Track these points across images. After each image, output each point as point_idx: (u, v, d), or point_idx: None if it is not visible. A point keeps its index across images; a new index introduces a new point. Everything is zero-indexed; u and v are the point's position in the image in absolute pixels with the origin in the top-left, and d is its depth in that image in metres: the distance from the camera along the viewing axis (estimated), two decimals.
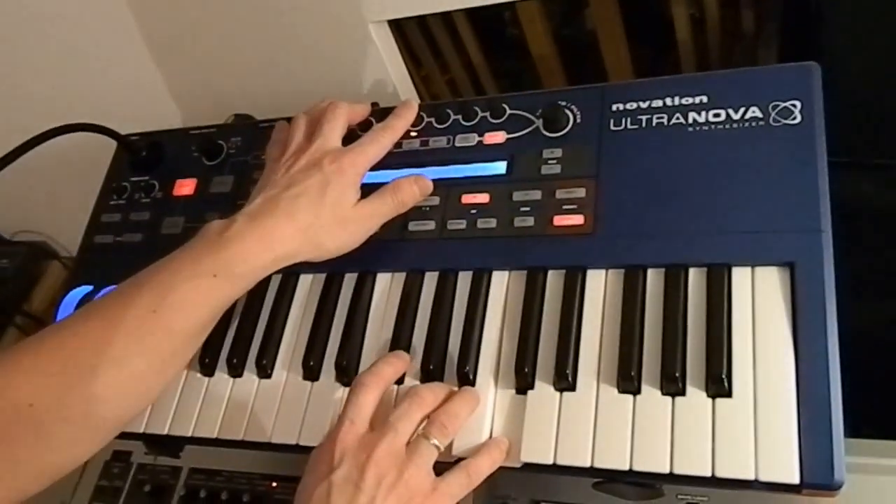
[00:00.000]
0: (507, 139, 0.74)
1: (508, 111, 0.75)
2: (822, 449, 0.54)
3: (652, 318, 0.62)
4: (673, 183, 0.66)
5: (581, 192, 0.68)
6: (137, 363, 0.63)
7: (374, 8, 0.90)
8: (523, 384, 0.63)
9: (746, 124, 0.66)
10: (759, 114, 0.66)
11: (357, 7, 0.89)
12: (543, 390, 0.63)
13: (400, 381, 0.67)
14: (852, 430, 0.64)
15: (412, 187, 0.72)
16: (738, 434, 0.56)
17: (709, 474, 0.56)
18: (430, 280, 0.71)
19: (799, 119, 0.64)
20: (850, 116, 0.76)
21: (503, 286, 0.68)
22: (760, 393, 0.57)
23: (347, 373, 0.69)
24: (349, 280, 0.74)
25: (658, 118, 0.69)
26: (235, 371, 0.73)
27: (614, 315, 0.64)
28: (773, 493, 0.55)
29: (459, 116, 0.76)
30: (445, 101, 0.82)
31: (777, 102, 0.65)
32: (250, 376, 0.72)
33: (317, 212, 0.68)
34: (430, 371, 0.66)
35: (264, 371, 0.72)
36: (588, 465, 0.59)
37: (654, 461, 0.57)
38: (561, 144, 0.71)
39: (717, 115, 0.67)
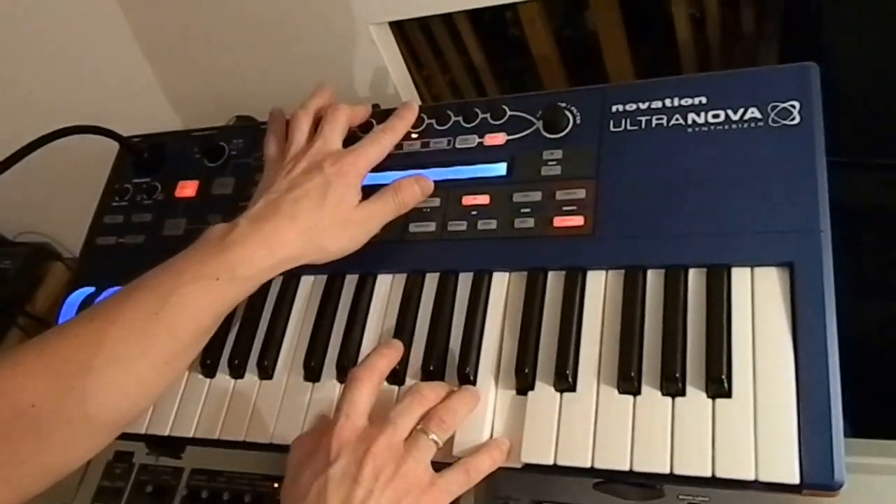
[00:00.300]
0: (508, 140, 0.74)
1: (508, 112, 0.75)
2: (821, 449, 0.54)
3: (652, 319, 0.62)
4: (672, 184, 0.66)
5: (581, 194, 0.68)
6: (140, 365, 0.64)
7: (375, 9, 0.90)
8: (524, 385, 0.64)
9: (746, 125, 0.66)
10: (758, 114, 0.66)
11: (358, 8, 0.90)
12: (544, 391, 0.63)
13: (401, 382, 0.67)
14: (852, 430, 0.64)
15: (413, 188, 0.73)
16: (738, 434, 0.56)
17: (709, 475, 0.56)
18: (431, 281, 0.71)
19: (798, 120, 0.65)
20: (850, 116, 0.76)
21: (503, 287, 0.69)
22: (760, 393, 0.57)
23: (348, 374, 0.69)
24: (350, 281, 0.74)
25: (658, 119, 0.69)
26: (237, 372, 0.73)
27: (614, 316, 0.64)
28: (774, 494, 0.55)
29: (460, 118, 0.77)
30: (446, 103, 0.82)
31: (776, 103, 0.66)
32: (251, 377, 0.73)
33: (319, 214, 0.68)
34: (431, 372, 0.67)
35: (265, 372, 0.72)
36: (588, 465, 0.59)
37: (655, 462, 0.57)
38: (561, 146, 0.71)
39: (716, 116, 0.67)
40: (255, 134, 0.86)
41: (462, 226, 0.71)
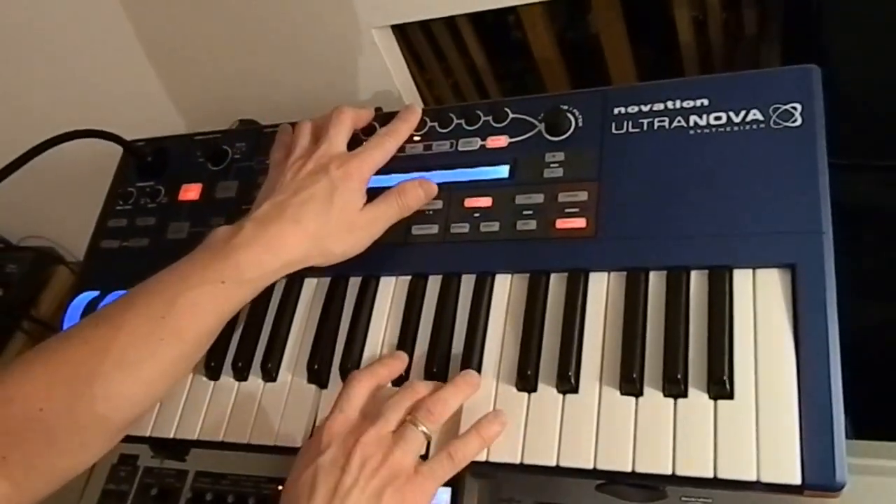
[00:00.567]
0: (510, 143, 0.74)
1: (511, 115, 0.75)
2: (823, 450, 0.54)
3: (654, 321, 0.63)
4: (674, 186, 0.66)
5: (583, 196, 0.69)
6: (146, 368, 0.64)
7: (378, 13, 0.90)
8: (526, 386, 0.64)
9: (747, 127, 0.66)
10: (759, 116, 0.66)
11: (361, 12, 0.90)
12: (546, 392, 0.63)
13: (401, 384, 0.68)
14: (854, 432, 0.64)
15: (417, 190, 0.73)
16: (740, 435, 0.56)
17: (711, 476, 0.56)
18: (434, 283, 0.71)
19: (799, 121, 0.65)
20: (852, 118, 0.76)
21: (506, 289, 0.69)
22: (762, 394, 0.57)
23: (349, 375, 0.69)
24: (353, 284, 0.74)
25: (659, 121, 0.69)
26: (241, 374, 0.73)
27: (616, 317, 0.64)
28: (776, 495, 0.55)
29: (462, 121, 0.77)
30: (448, 106, 0.82)
31: (778, 105, 0.66)
32: (255, 380, 0.73)
33: (324, 217, 0.69)
34: (434, 374, 0.67)
35: (269, 374, 0.72)
36: (591, 466, 0.59)
37: (657, 463, 0.58)
38: (563, 148, 0.72)
39: (717, 118, 0.67)
40: (258, 137, 0.86)
41: (465, 228, 0.71)
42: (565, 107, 0.73)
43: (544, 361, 0.64)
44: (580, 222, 0.68)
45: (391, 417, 0.62)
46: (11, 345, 1.26)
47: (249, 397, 0.72)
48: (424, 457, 0.62)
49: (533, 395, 0.63)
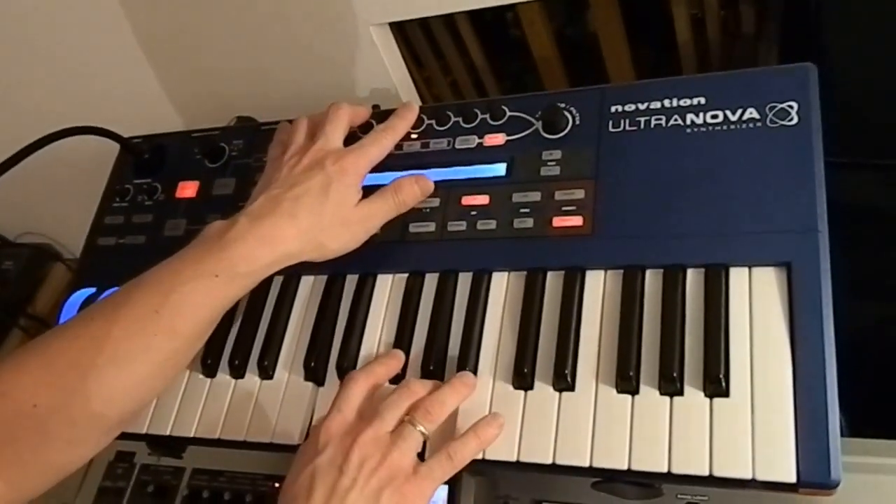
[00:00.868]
0: (507, 141, 0.74)
1: (508, 113, 0.75)
2: (818, 448, 0.54)
3: (650, 319, 0.63)
4: (671, 184, 0.66)
5: (580, 194, 0.69)
6: (140, 363, 0.64)
7: (376, 10, 0.90)
8: (523, 384, 0.64)
9: (744, 125, 0.66)
10: (756, 115, 0.66)
11: (359, 9, 0.90)
12: (542, 390, 0.63)
13: (398, 382, 0.68)
14: (850, 430, 0.64)
15: (413, 187, 0.73)
16: (736, 433, 0.57)
17: (706, 474, 0.56)
18: (431, 281, 0.71)
19: (796, 120, 0.65)
20: (848, 117, 0.76)
21: (503, 287, 0.69)
22: (758, 393, 0.57)
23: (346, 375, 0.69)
24: (350, 281, 0.74)
25: (656, 119, 0.69)
26: (237, 372, 0.73)
27: (613, 315, 0.64)
28: (771, 493, 0.55)
29: (459, 118, 0.77)
30: (445, 104, 0.82)
31: (774, 104, 0.66)
32: (252, 377, 0.73)
33: (319, 212, 0.69)
34: (431, 371, 0.67)
35: (266, 372, 0.72)
36: (587, 464, 0.59)
37: (653, 461, 0.58)
38: (560, 146, 0.72)
39: (714, 117, 0.67)
40: (255, 135, 0.86)
41: (462, 226, 0.72)
42: (562, 105, 0.73)
43: (541, 359, 0.64)
44: (577, 220, 0.68)
45: (388, 417, 0.62)
46: (8, 342, 1.26)
47: (246, 395, 0.72)
48: (420, 457, 0.62)
49: (529, 392, 0.64)
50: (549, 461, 0.60)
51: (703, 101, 0.68)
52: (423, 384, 0.65)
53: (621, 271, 0.65)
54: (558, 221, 0.68)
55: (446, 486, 0.69)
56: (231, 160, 0.85)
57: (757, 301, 0.61)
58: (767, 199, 0.62)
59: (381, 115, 0.79)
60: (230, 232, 0.67)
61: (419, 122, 0.78)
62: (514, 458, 0.62)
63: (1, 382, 0.61)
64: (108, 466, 0.87)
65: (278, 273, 0.69)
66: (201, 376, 0.75)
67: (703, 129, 0.67)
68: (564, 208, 0.69)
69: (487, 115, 0.76)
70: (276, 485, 0.80)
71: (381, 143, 0.74)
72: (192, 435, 0.72)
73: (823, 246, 0.60)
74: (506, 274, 0.69)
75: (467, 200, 0.72)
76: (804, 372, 0.57)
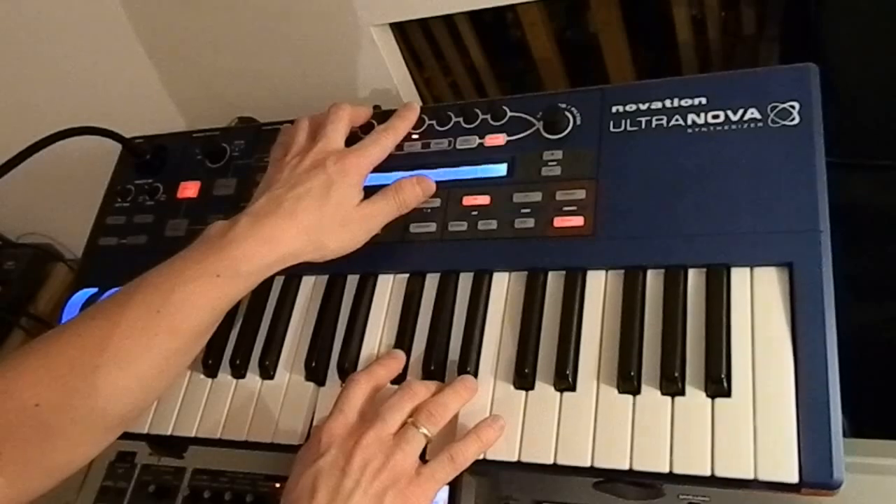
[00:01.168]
0: (508, 141, 0.74)
1: (509, 113, 0.75)
2: (820, 448, 0.54)
3: (651, 319, 0.63)
4: (672, 184, 0.66)
5: (581, 194, 0.69)
6: (141, 363, 0.64)
7: (376, 11, 0.90)
8: (524, 384, 0.64)
9: (745, 126, 0.66)
10: (757, 115, 0.66)
11: (359, 10, 0.90)
12: (544, 390, 0.63)
13: (400, 382, 0.68)
14: (852, 430, 0.64)
15: (415, 188, 0.73)
16: (738, 434, 0.56)
17: (708, 474, 0.56)
18: (432, 281, 0.71)
19: (797, 120, 0.65)
20: (850, 117, 0.76)
21: (504, 287, 0.69)
22: (759, 393, 0.57)
23: (349, 374, 0.69)
24: (351, 282, 0.74)
25: (657, 120, 0.69)
26: (238, 372, 0.73)
27: (614, 316, 0.64)
28: (773, 493, 0.55)
29: (460, 119, 0.77)
30: (446, 104, 0.82)
31: (776, 104, 0.66)
32: (253, 377, 0.73)
33: (320, 212, 0.69)
34: (432, 372, 0.67)
35: (267, 372, 0.72)
36: (588, 464, 0.59)
37: (654, 461, 0.58)
38: (561, 146, 0.72)
39: (715, 117, 0.67)
40: (256, 135, 0.86)
41: (462, 226, 0.72)
42: (563, 105, 0.73)
43: (542, 359, 0.64)
44: (578, 221, 0.68)
45: (390, 419, 0.62)
46: (10, 342, 1.26)
47: (247, 395, 0.72)
48: (420, 458, 0.62)
49: (530, 393, 0.63)
50: (551, 461, 0.60)
51: (704, 101, 0.68)
52: (425, 385, 0.65)
53: (622, 271, 0.65)
54: (559, 222, 0.68)
55: (447, 487, 0.69)
56: (232, 160, 0.86)
57: (758, 301, 0.60)
58: (769, 200, 0.62)
59: (381, 116, 0.79)
60: (231, 232, 0.67)
61: (420, 122, 0.78)
62: (515, 459, 0.62)
63: (3, 382, 0.61)
64: (110, 466, 0.87)
65: (279, 273, 0.69)
66: (202, 376, 0.75)
67: (704, 129, 0.67)
68: (565, 208, 0.69)
69: (488, 116, 0.76)
70: (277, 485, 0.80)
71: (383, 143, 0.74)
72: (193, 435, 0.72)
73: (825, 246, 0.60)
74: (507, 274, 0.69)
75: (468, 201, 0.72)
76: (806, 372, 0.57)
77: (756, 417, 0.57)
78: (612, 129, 0.71)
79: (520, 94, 0.77)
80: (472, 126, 0.76)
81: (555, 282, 0.67)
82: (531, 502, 0.72)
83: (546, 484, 0.71)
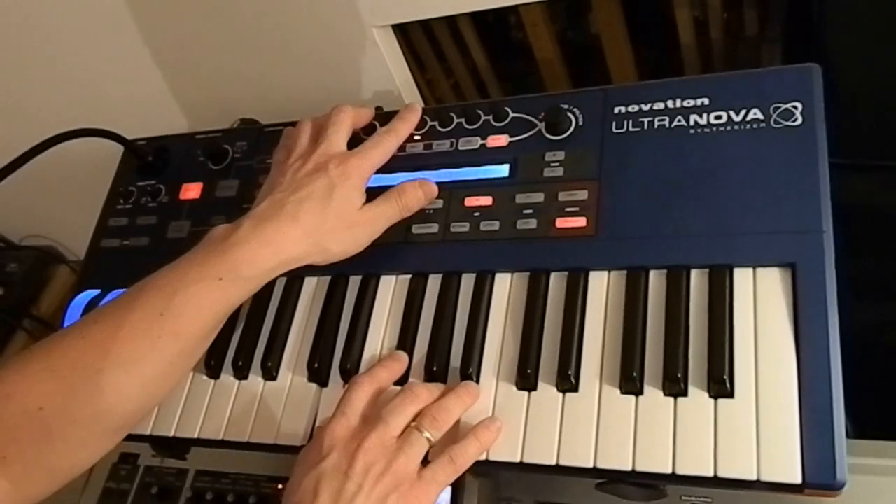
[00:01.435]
0: (510, 142, 0.74)
1: (511, 114, 0.75)
2: (823, 449, 0.54)
3: (654, 320, 0.63)
4: (675, 185, 0.66)
5: (583, 195, 0.69)
6: (144, 366, 0.64)
7: (378, 12, 0.90)
8: (526, 385, 0.64)
9: (748, 126, 0.66)
10: (760, 115, 0.66)
11: (362, 11, 0.90)
12: (546, 391, 0.63)
13: (403, 383, 0.68)
14: (855, 431, 0.64)
15: (417, 192, 0.73)
16: (740, 434, 0.56)
17: (711, 475, 0.56)
18: (434, 282, 0.71)
19: (800, 121, 0.65)
20: (852, 117, 0.76)
21: (506, 288, 0.69)
22: (762, 393, 0.57)
23: (351, 375, 0.69)
24: (353, 283, 0.74)
25: (660, 120, 0.69)
26: (241, 373, 0.73)
27: (616, 316, 0.64)
28: (776, 494, 0.55)
29: (462, 120, 0.77)
30: (448, 105, 0.82)
31: (778, 104, 0.66)
32: (256, 378, 0.73)
33: (322, 215, 0.69)
34: (434, 373, 0.67)
35: (269, 373, 0.72)
36: (591, 465, 0.59)
37: (657, 461, 0.58)
38: (563, 147, 0.72)
39: (718, 117, 0.67)
40: (258, 137, 0.86)
41: (465, 227, 0.72)
42: (566, 106, 0.73)
43: (544, 360, 0.64)
44: (580, 221, 0.68)
45: (392, 422, 0.62)
46: (13, 344, 1.26)
47: (250, 396, 0.72)
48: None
49: (533, 393, 0.63)
50: (553, 462, 0.60)
51: (706, 101, 0.68)
52: (426, 388, 0.65)
53: (625, 272, 0.65)
54: (562, 222, 0.68)
55: (450, 489, 0.69)
56: (234, 162, 0.86)
57: (761, 302, 0.60)
58: (771, 200, 0.62)
59: (384, 117, 0.79)
60: (234, 235, 0.67)
61: (422, 123, 0.78)
62: (517, 459, 0.62)
63: (6, 385, 0.61)
64: (112, 468, 0.87)
65: (282, 274, 0.69)
66: (205, 378, 0.75)
67: (706, 129, 0.67)
68: (568, 209, 0.69)
69: (490, 117, 0.76)
70: (280, 486, 0.80)
71: (385, 145, 0.74)
72: (195, 436, 0.72)
73: (828, 246, 0.60)
74: (509, 275, 0.69)
75: (470, 201, 0.72)
76: (809, 373, 0.57)
77: (759, 418, 0.57)
78: (614, 129, 0.71)
79: (522, 95, 0.77)
80: (474, 127, 0.76)
81: (557, 283, 0.67)
82: (533, 503, 0.71)
83: (548, 485, 0.71)
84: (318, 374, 0.71)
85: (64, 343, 0.64)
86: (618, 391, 0.61)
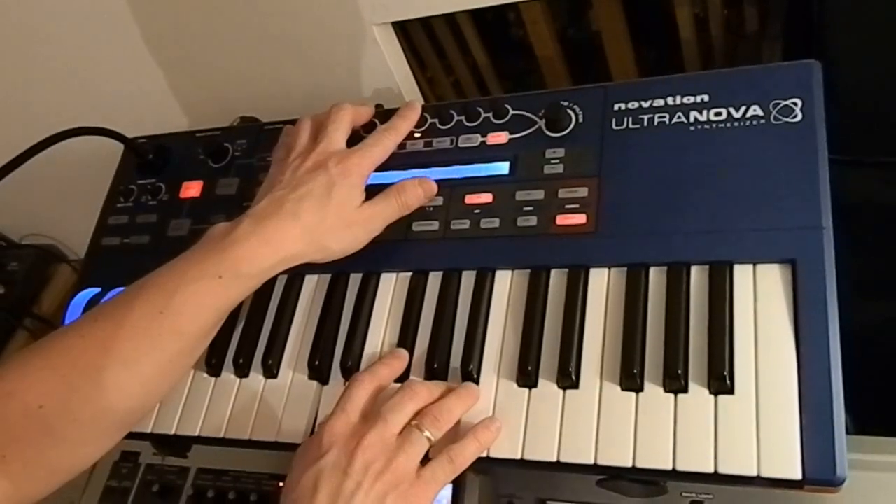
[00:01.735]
0: (510, 139, 0.74)
1: (511, 111, 0.75)
2: (823, 445, 0.54)
3: (654, 316, 0.63)
4: (675, 181, 0.66)
5: (583, 192, 0.69)
6: (145, 364, 0.64)
7: (378, 10, 0.90)
8: (527, 382, 0.64)
9: (747, 123, 0.66)
10: (760, 112, 0.66)
11: (362, 9, 0.90)
12: (547, 388, 0.63)
13: (404, 381, 0.67)
14: (855, 427, 0.64)
15: (417, 189, 0.73)
16: (741, 431, 0.56)
17: (711, 471, 0.56)
18: (434, 280, 0.71)
19: (800, 117, 0.65)
20: (852, 114, 0.76)
21: (506, 285, 0.69)
22: (762, 390, 0.57)
23: (352, 372, 0.69)
24: (354, 280, 0.74)
25: (660, 117, 0.69)
26: (242, 371, 0.73)
27: (617, 313, 0.64)
28: (776, 490, 0.55)
29: (462, 117, 0.77)
30: (448, 102, 0.82)
31: (778, 101, 0.66)
32: (256, 376, 0.73)
33: (322, 213, 0.69)
34: (434, 370, 0.67)
35: (270, 371, 0.72)
36: (591, 462, 0.59)
37: (657, 458, 0.58)
38: (563, 144, 0.72)
39: (718, 114, 0.67)
40: (258, 134, 0.86)
41: (465, 224, 0.72)
42: (566, 103, 0.73)
43: (545, 357, 0.64)
44: (580, 218, 0.68)
45: (391, 420, 0.62)
46: (13, 342, 1.27)
47: (250, 394, 0.72)
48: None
49: (533, 390, 0.63)
50: (554, 459, 0.60)
51: (706, 98, 0.68)
52: (426, 385, 0.65)
53: (625, 269, 0.65)
54: (562, 219, 0.68)
55: (451, 486, 0.69)
56: (234, 160, 0.86)
57: (761, 298, 0.60)
58: (771, 196, 0.62)
59: (384, 115, 0.79)
60: (233, 233, 0.67)
61: (422, 121, 0.78)
62: (518, 456, 0.62)
63: (7, 383, 0.61)
64: (114, 466, 0.87)
65: (282, 272, 0.70)
66: (206, 376, 0.75)
67: (706, 126, 0.67)
68: (568, 206, 0.69)
69: (491, 114, 0.76)
70: (281, 484, 0.80)
71: (384, 143, 0.74)
72: (196, 434, 0.72)
73: (828, 243, 0.60)
74: (509, 272, 0.69)
75: (471, 199, 0.72)
76: (809, 369, 0.57)
77: (759, 414, 0.57)
78: (614, 126, 0.71)
79: (522, 92, 0.77)
80: (474, 124, 0.76)
81: (557, 279, 0.67)
82: (534, 500, 0.72)
83: (549, 482, 0.71)
84: (318, 372, 0.71)
85: (64, 341, 0.64)
86: (618, 388, 0.61)
